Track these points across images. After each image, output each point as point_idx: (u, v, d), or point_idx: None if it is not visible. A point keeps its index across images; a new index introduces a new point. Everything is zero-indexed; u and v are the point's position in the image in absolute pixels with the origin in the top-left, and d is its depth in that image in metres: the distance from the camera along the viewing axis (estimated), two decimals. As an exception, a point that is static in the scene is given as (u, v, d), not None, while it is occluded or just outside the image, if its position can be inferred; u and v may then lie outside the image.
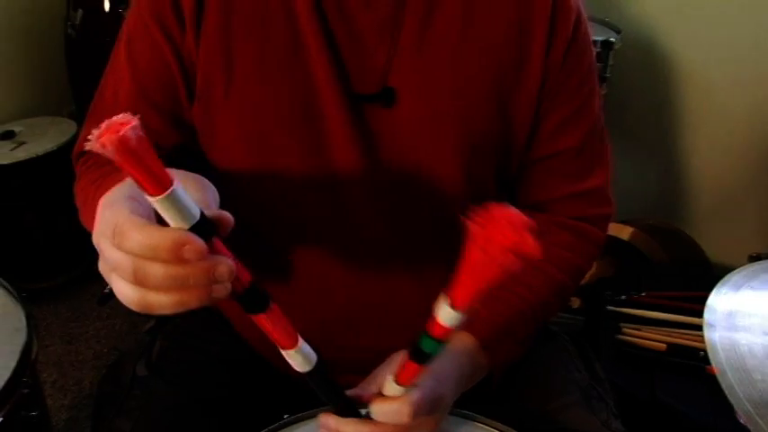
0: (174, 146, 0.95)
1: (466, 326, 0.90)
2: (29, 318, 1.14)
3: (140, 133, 0.48)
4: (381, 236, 0.96)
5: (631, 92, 2.35)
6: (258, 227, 0.98)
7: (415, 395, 0.75)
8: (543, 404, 1.01)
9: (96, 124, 0.48)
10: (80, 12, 2.47)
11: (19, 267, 2.47)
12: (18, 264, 2.49)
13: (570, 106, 0.97)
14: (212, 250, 0.56)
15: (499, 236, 0.49)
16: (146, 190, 0.51)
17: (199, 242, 0.53)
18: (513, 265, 0.49)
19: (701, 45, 2.23)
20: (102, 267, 0.59)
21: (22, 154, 2.34)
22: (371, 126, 0.91)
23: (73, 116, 2.65)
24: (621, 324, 1.76)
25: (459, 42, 0.90)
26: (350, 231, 0.96)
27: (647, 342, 1.69)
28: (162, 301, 0.55)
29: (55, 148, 2.37)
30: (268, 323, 0.64)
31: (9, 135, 2.45)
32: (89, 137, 0.47)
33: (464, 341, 0.90)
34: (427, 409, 0.77)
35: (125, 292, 0.57)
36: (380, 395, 0.77)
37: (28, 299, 1.21)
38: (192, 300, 0.56)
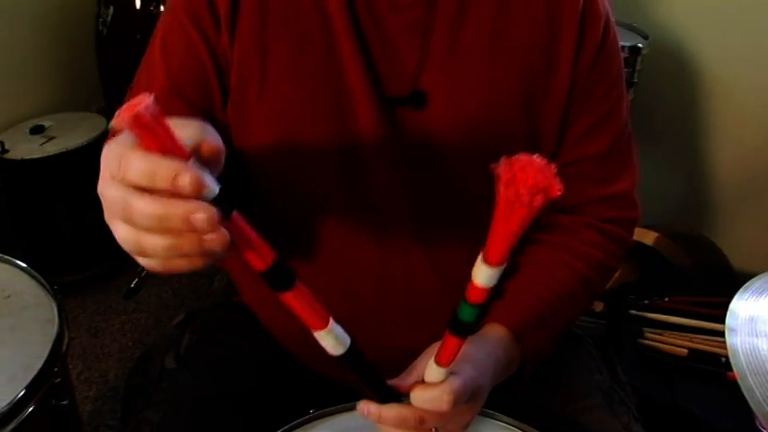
0: None
1: (498, 317, 0.91)
2: (60, 309, 1.16)
3: (155, 110, 0.50)
4: (410, 236, 0.97)
5: (658, 96, 2.33)
6: (287, 219, 0.99)
7: (456, 383, 0.75)
8: (565, 406, 1.02)
9: None
10: (111, 9, 2.48)
11: (47, 260, 2.48)
12: (46, 257, 2.51)
13: (598, 111, 0.97)
14: (233, 225, 0.57)
15: (526, 176, 0.52)
16: None
17: (194, 176, 0.52)
18: (540, 203, 0.52)
19: (729, 50, 2.21)
20: (107, 215, 0.59)
21: (52, 148, 2.36)
22: (402, 127, 0.92)
23: (102, 112, 2.66)
24: (644, 328, 1.76)
25: (489, 46, 0.91)
26: (379, 228, 0.97)
27: (669, 347, 1.70)
28: (155, 244, 0.55)
29: (85, 143, 2.39)
30: (296, 302, 0.64)
31: (39, 129, 2.46)
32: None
33: (497, 332, 0.91)
34: (467, 398, 0.77)
35: (121, 233, 0.57)
36: (421, 382, 0.77)
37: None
38: (184, 245, 0.55)
